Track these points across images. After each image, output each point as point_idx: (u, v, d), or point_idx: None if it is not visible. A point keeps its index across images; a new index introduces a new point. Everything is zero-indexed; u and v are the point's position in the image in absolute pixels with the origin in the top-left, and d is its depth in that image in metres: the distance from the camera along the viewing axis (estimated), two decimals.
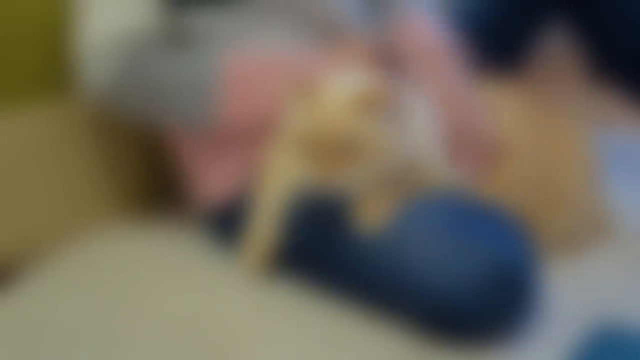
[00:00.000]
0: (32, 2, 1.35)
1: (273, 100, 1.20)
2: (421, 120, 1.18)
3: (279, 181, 1.19)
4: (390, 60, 1.35)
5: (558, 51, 1.65)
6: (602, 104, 1.62)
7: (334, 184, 1.11)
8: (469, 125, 1.26)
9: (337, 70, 1.16)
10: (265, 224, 1.19)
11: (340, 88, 1.11)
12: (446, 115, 1.23)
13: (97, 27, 1.26)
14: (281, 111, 1.18)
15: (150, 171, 1.46)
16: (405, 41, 1.31)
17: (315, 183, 1.13)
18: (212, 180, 1.29)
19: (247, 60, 1.23)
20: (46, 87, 1.37)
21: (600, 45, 1.57)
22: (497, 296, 1.06)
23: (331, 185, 1.11)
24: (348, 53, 1.26)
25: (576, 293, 1.16)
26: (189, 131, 1.26)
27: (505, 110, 1.28)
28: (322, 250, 1.17)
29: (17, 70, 1.35)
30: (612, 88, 1.59)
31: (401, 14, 1.35)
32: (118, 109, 1.28)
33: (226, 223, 1.28)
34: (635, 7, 1.53)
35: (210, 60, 1.23)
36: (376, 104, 1.09)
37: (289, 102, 1.14)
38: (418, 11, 1.35)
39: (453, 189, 1.17)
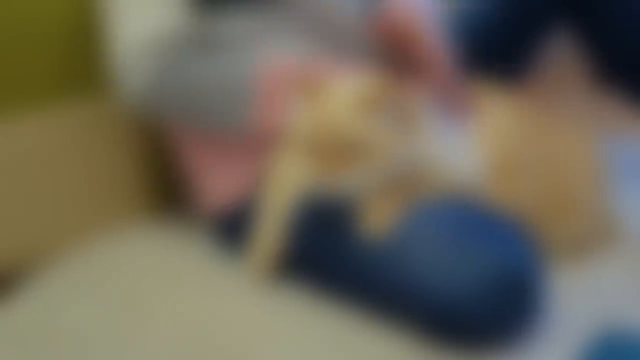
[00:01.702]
0: (65, 5, 1.36)
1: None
2: (429, 121, 1.18)
3: (284, 185, 1.19)
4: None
5: (561, 57, 1.65)
6: (606, 110, 1.62)
7: (338, 184, 1.11)
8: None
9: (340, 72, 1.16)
10: (271, 228, 1.19)
11: (344, 89, 1.11)
12: None
13: (128, 31, 1.26)
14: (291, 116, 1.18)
15: (157, 176, 1.46)
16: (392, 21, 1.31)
17: (320, 184, 1.13)
18: (219, 184, 1.29)
19: (281, 67, 1.22)
20: (57, 93, 1.38)
21: (604, 52, 1.57)
22: (503, 301, 1.06)
23: (335, 185, 1.11)
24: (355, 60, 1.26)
25: (582, 299, 1.16)
26: (220, 135, 1.26)
27: (510, 117, 1.28)
28: (327, 254, 1.17)
29: (38, 73, 1.35)
30: (615, 94, 1.59)
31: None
32: (153, 111, 1.28)
33: (233, 227, 1.28)
34: (638, 13, 1.53)
35: (244, 64, 1.23)
36: (380, 105, 1.09)
37: (297, 104, 1.14)
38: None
39: (460, 193, 1.17)
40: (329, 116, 1.09)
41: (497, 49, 1.49)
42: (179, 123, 1.29)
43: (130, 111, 1.35)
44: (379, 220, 1.13)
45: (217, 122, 1.23)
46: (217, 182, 1.29)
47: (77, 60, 1.38)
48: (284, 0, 1.26)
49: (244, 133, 1.22)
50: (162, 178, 1.47)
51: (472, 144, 1.23)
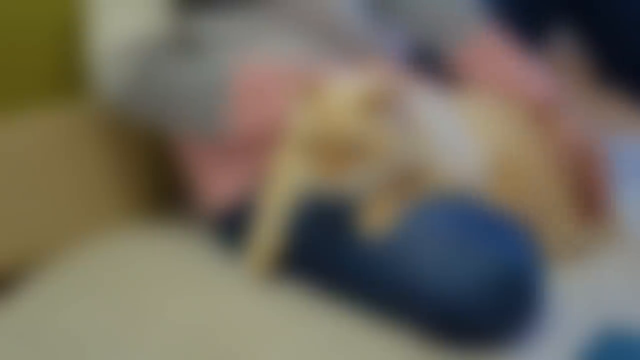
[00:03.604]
0: (46, 7, 1.36)
1: (281, 110, 1.20)
2: (430, 121, 1.18)
3: (284, 184, 1.19)
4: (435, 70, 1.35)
5: (564, 55, 1.65)
6: (607, 108, 1.62)
7: (340, 184, 1.11)
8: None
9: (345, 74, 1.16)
10: (271, 227, 1.19)
11: (345, 89, 1.11)
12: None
13: (109, 32, 1.26)
14: (288, 117, 1.18)
15: (156, 175, 1.46)
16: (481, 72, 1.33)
17: (321, 184, 1.13)
18: (219, 184, 1.29)
19: (256, 70, 1.23)
20: (56, 91, 1.38)
21: (606, 50, 1.57)
22: (503, 300, 1.06)
23: (337, 186, 1.11)
24: (356, 61, 1.26)
25: (582, 298, 1.16)
26: (198, 138, 1.27)
27: (511, 116, 1.28)
28: (327, 253, 1.17)
29: (28, 74, 1.35)
30: (617, 93, 1.59)
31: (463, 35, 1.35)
32: (129, 114, 1.28)
33: (232, 227, 1.28)
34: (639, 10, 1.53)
35: (220, 68, 1.23)
36: (381, 104, 1.09)
37: (296, 104, 1.14)
38: (473, 25, 1.35)
39: (461, 193, 1.17)
40: (329, 116, 1.09)
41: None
42: (155, 126, 1.29)
43: (109, 113, 1.35)
44: (379, 219, 1.13)
45: (191, 128, 1.24)
46: (216, 181, 1.29)
47: (63, 61, 1.38)
48: (274, 1, 1.26)
49: (218, 136, 1.22)
50: (161, 177, 1.47)
51: (472, 143, 1.23)
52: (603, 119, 1.58)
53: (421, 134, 1.15)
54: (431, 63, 1.37)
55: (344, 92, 1.10)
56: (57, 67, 1.38)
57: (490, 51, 1.34)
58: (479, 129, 1.25)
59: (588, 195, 1.29)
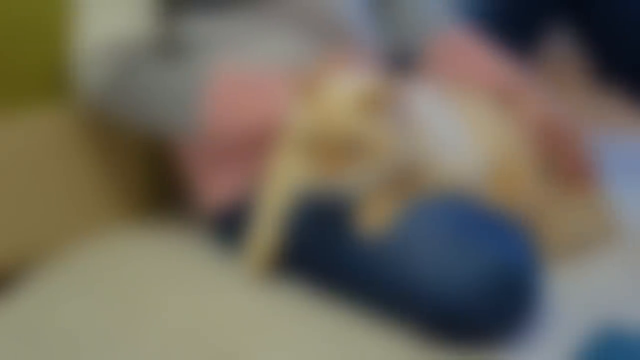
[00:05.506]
0: (31, 8, 1.35)
1: (262, 111, 1.20)
2: (429, 120, 1.18)
3: (282, 183, 1.19)
4: (408, 68, 1.35)
5: (561, 54, 1.66)
6: (604, 107, 1.62)
7: (338, 183, 1.11)
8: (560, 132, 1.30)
9: (336, 71, 1.16)
10: (268, 226, 1.19)
11: (344, 87, 1.11)
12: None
13: (92, 33, 1.26)
14: (280, 118, 1.18)
15: (154, 175, 1.46)
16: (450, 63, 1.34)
17: (319, 183, 1.13)
18: (216, 184, 1.29)
19: (235, 71, 1.23)
20: (49, 91, 1.37)
21: (603, 48, 1.57)
22: (501, 299, 1.07)
23: (335, 184, 1.11)
24: (348, 58, 1.26)
25: (579, 297, 1.16)
26: (176, 139, 1.27)
27: (499, 120, 1.28)
28: (325, 253, 1.17)
29: (19, 74, 1.35)
30: (614, 91, 1.59)
31: (426, 26, 1.36)
32: (110, 115, 1.28)
33: (230, 226, 1.28)
34: (637, 10, 1.53)
35: (198, 70, 1.23)
36: (380, 103, 1.09)
37: (292, 102, 1.14)
38: (444, 24, 1.36)
39: (459, 191, 1.17)
40: (328, 115, 1.09)
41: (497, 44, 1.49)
42: (134, 129, 1.29)
43: (92, 114, 1.35)
44: (377, 218, 1.13)
45: (166, 128, 1.24)
46: (214, 181, 1.29)
47: (54, 63, 1.38)
48: (262, 1, 1.26)
49: (195, 138, 1.23)
50: (160, 177, 1.47)
51: (470, 142, 1.23)
52: (600, 118, 1.59)
53: (420, 133, 1.15)
54: (405, 61, 1.38)
55: (342, 91, 1.10)
56: (50, 67, 1.37)
57: (456, 45, 1.35)
58: (476, 128, 1.25)
59: (564, 169, 1.30)
